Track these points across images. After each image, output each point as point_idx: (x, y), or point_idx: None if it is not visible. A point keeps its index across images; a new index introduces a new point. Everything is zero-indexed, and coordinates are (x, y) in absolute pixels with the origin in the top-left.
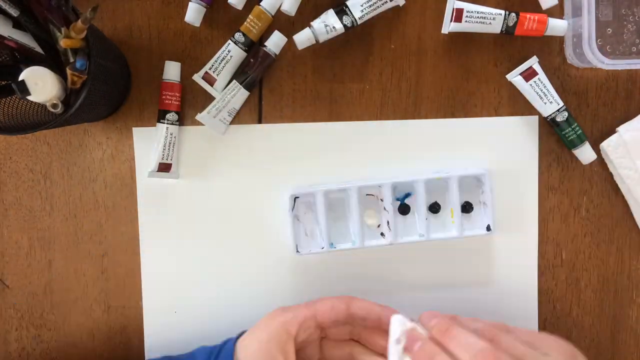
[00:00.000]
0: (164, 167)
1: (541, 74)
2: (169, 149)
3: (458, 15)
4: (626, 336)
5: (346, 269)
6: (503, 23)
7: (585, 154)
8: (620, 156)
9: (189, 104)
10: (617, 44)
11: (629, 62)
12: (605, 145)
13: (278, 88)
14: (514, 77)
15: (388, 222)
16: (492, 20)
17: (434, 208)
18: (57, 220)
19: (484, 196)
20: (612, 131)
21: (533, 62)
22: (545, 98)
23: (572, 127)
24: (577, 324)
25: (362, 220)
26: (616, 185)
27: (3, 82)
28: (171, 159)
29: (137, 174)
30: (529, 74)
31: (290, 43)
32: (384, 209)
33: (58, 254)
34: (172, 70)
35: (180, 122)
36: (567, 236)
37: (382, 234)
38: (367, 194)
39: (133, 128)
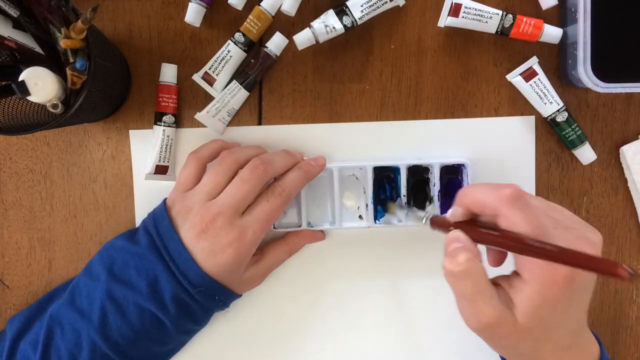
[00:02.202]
0: (161, 170)
1: (541, 74)
2: (165, 151)
3: (456, 9)
4: (626, 336)
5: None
6: (499, 23)
7: (585, 154)
8: (638, 162)
9: (189, 104)
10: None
11: (624, 86)
12: (626, 149)
13: (278, 88)
14: (514, 77)
15: (367, 205)
16: (489, 19)
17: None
18: (57, 221)
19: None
20: (612, 131)
21: (533, 62)
22: (545, 98)
23: (572, 127)
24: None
25: (341, 201)
26: (616, 185)
27: (3, 83)
28: (168, 161)
29: (135, 176)
30: (529, 75)
31: (291, 43)
32: (364, 191)
33: (58, 254)
34: (168, 73)
35: (178, 124)
36: None
37: (360, 216)
38: (348, 175)
39: (130, 130)
